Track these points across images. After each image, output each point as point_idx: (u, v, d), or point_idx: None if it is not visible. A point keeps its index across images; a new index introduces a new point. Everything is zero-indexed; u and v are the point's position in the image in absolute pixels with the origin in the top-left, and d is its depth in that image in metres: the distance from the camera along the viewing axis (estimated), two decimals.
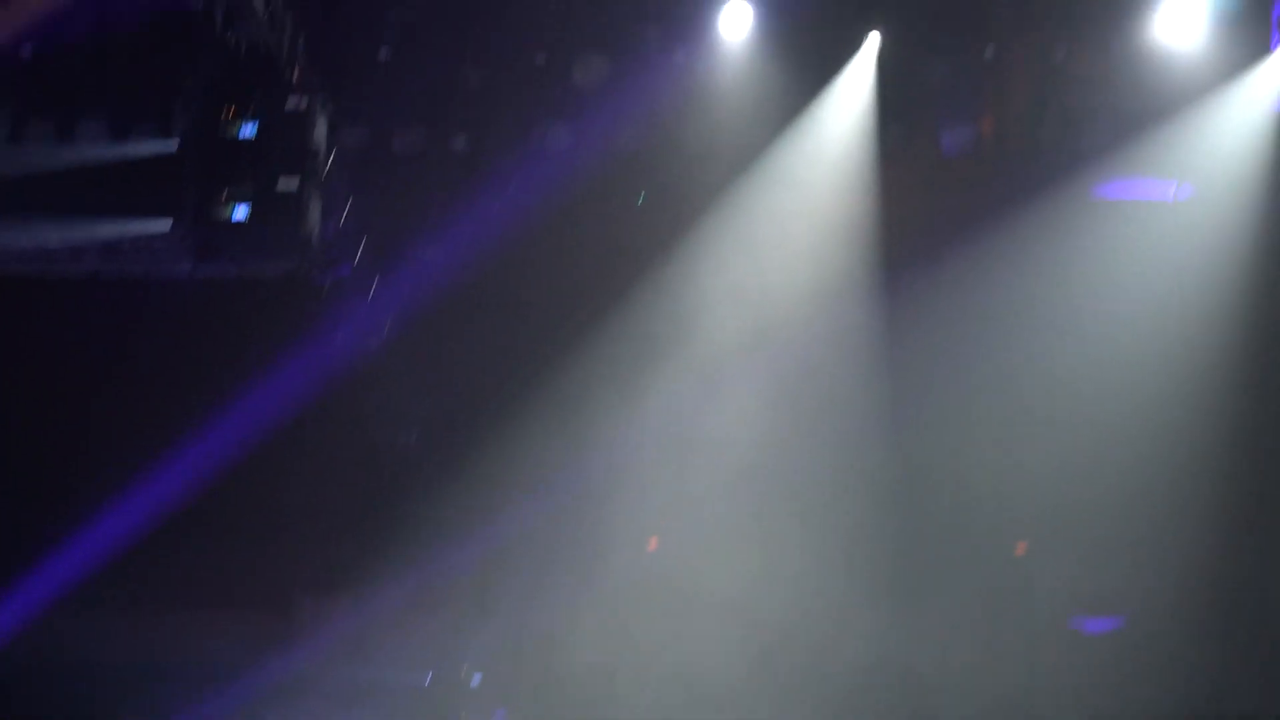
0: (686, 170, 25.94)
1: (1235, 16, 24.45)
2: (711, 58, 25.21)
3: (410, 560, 26.64)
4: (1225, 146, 25.36)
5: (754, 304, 26.50)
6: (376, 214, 24.47)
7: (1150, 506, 26.39)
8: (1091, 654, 26.84)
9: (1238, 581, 26.70)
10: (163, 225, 24.50)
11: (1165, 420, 26.23)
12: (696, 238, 26.32)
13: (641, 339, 26.53)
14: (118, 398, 27.05)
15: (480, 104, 25.97)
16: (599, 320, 26.43)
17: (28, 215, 25.14)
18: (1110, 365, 26.40)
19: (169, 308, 26.44)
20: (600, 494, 26.78)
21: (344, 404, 26.00)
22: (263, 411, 25.90)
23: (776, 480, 26.67)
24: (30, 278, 25.98)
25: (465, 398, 27.13)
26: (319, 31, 23.23)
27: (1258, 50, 24.65)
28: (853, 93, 25.38)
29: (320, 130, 21.94)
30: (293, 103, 21.69)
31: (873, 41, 25.03)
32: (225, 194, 21.51)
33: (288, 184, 21.70)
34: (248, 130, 21.57)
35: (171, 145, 22.90)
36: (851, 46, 25.08)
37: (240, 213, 21.65)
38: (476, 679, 26.31)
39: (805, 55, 25.22)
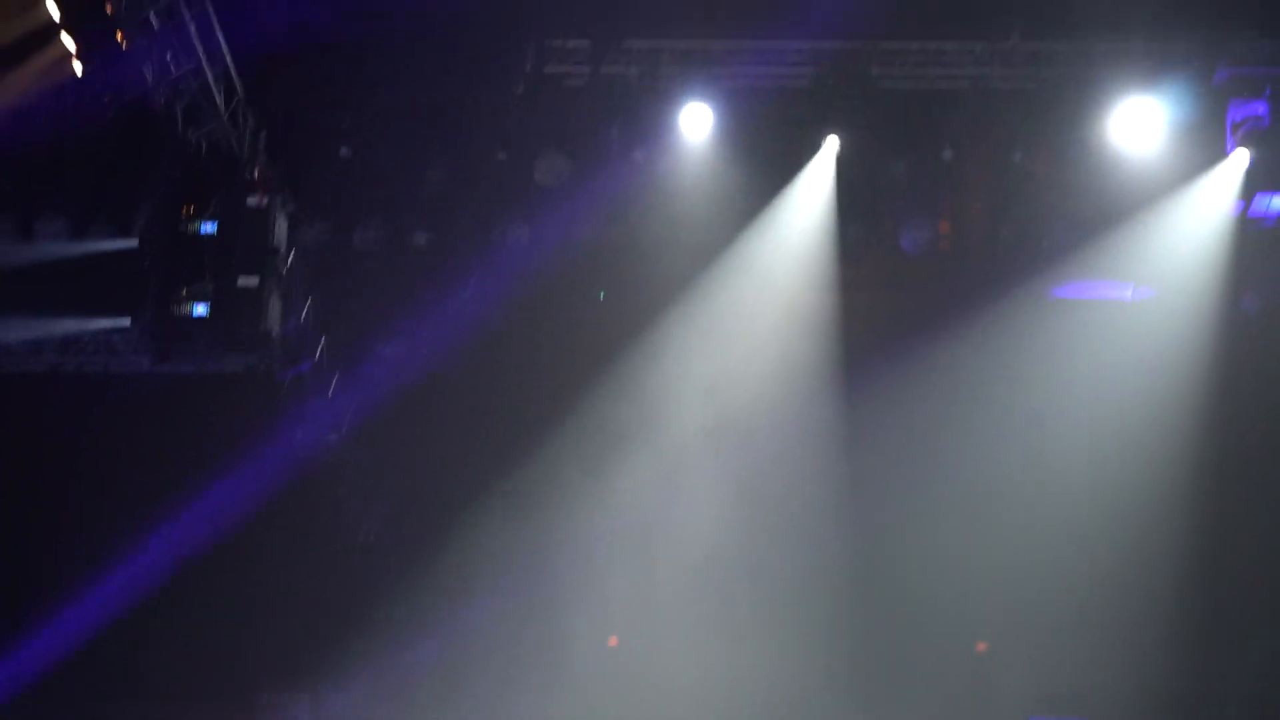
0: (647, 267, 26.00)
1: (1190, 121, 24.65)
2: (672, 157, 25.34)
3: (371, 657, 26.58)
4: (1182, 249, 25.50)
5: (715, 400, 26.55)
6: (337, 310, 24.50)
7: (1110, 605, 26.43)
8: None
9: (1197, 682, 26.73)
10: (123, 322, 24.54)
11: (1124, 518, 26.29)
12: (657, 333, 26.39)
13: (603, 434, 26.54)
14: (77, 493, 27.02)
15: (441, 201, 26.08)
16: (560, 416, 26.46)
17: None
18: (1070, 463, 26.47)
19: (128, 404, 26.40)
20: (563, 590, 26.75)
21: (304, 500, 25.95)
22: (223, 508, 25.86)
23: (739, 576, 26.68)
24: None
25: (427, 494, 27.12)
26: (280, 129, 23.32)
27: (1213, 154, 24.84)
28: (812, 193, 25.49)
29: (281, 227, 21.99)
30: (253, 200, 21.72)
31: (831, 144, 25.19)
32: (185, 291, 21.50)
33: (248, 281, 21.71)
34: (208, 228, 21.60)
35: (131, 243, 22.93)
36: (810, 148, 25.23)
37: (200, 309, 21.63)
38: None
39: (764, 156, 25.36)
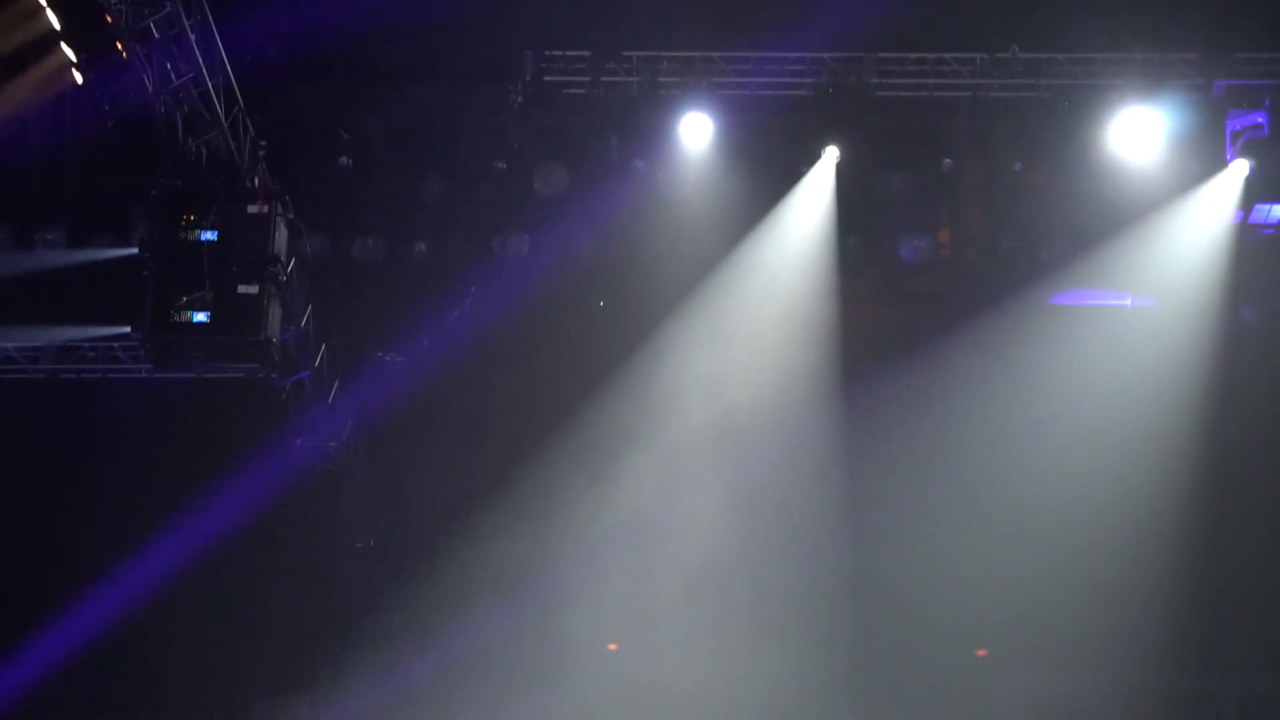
0: (646, 276, 26.05)
1: (1190, 131, 24.67)
2: (672, 167, 25.38)
3: (368, 666, 26.58)
4: (1182, 259, 25.53)
5: (715, 408, 26.57)
6: (337, 318, 24.55)
7: (1109, 612, 26.44)
8: None
9: (1195, 690, 26.76)
10: (122, 329, 24.59)
11: (1123, 526, 26.31)
12: (657, 342, 26.41)
13: (602, 441, 26.57)
14: (77, 500, 27.02)
15: (441, 210, 26.12)
16: (559, 424, 26.47)
17: None
18: (1069, 471, 26.50)
19: (128, 411, 26.44)
20: (563, 595, 26.76)
21: (303, 509, 25.97)
22: (223, 515, 25.87)
23: (738, 582, 26.69)
24: None
25: (426, 501, 27.14)
26: (279, 139, 23.35)
27: (1212, 164, 24.87)
28: (812, 202, 25.53)
29: (281, 235, 21.97)
30: (253, 208, 21.74)
31: (831, 154, 25.21)
32: (185, 299, 21.51)
33: (248, 289, 21.71)
34: (208, 236, 21.62)
35: (131, 251, 22.95)
36: (810, 158, 25.27)
37: (200, 317, 21.65)
38: None
39: (764, 166, 25.42)
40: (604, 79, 25.17)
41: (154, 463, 26.82)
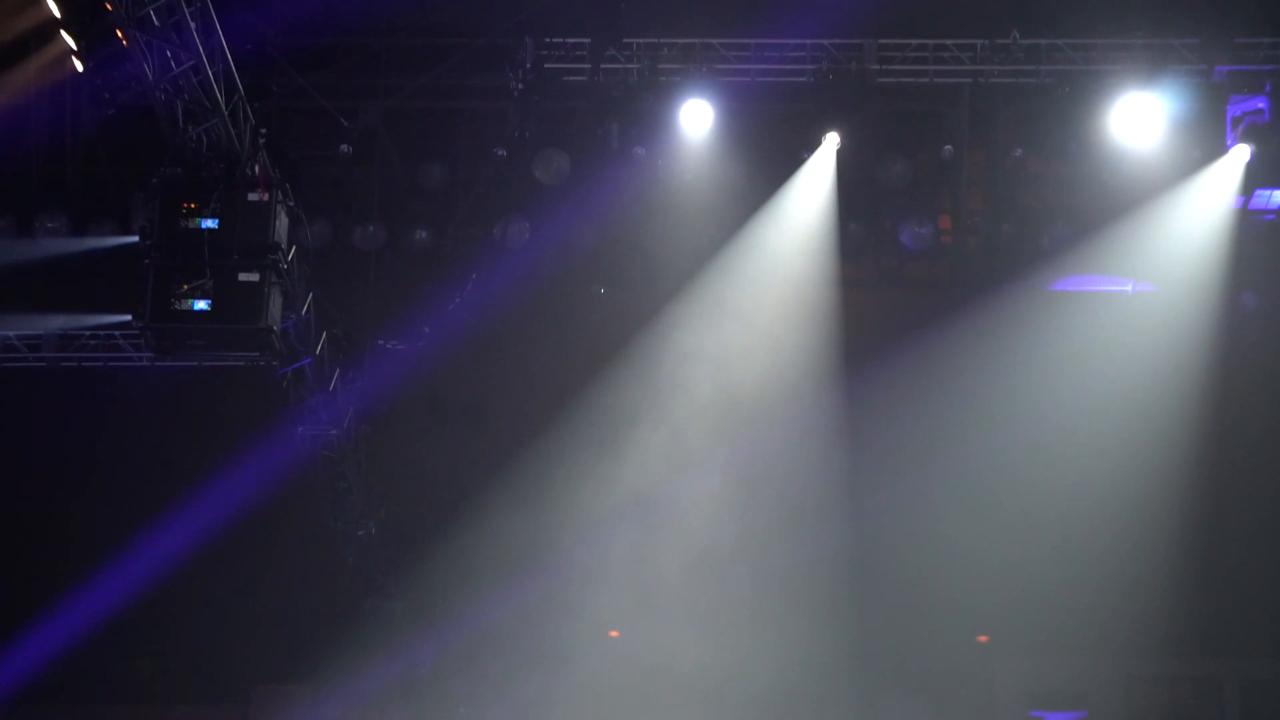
0: (646, 263, 26.08)
1: (1190, 117, 24.65)
2: (672, 154, 25.39)
3: (369, 653, 26.61)
4: (1182, 244, 25.54)
5: (718, 389, 26.59)
6: (337, 306, 24.54)
7: (1110, 597, 26.48)
8: None
9: (1196, 673, 26.81)
10: (123, 318, 24.58)
11: (1124, 510, 26.37)
12: (657, 329, 26.43)
13: (604, 427, 26.60)
14: (78, 488, 27.08)
15: (441, 199, 26.14)
16: (560, 410, 26.49)
17: None
18: (1070, 456, 26.56)
19: (129, 399, 26.49)
20: (565, 582, 26.79)
21: (304, 496, 25.98)
22: (224, 502, 25.90)
23: (740, 567, 26.72)
24: None
25: (426, 490, 27.15)
26: (280, 127, 23.36)
27: (1213, 150, 24.86)
28: (812, 189, 25.53)
29: (281, 224, 21.93)
30: (253, 196, 21.70)
31: (831, 140, 25.21)
32: (186, 286, 21.46)
33: (248, 276, 21.68)
34: (208, 223, 21.58)
35: (132, 239, 22.93)
36: (810, 144, 25.27)
37: (201, 305, 21.61)
38: None
39: (765, 153, 25.44)
40: (604, 66, 25.16)
41: (155, 450, 26.85)
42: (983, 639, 27.21)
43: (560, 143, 25.48)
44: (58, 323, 25.66)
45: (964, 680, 27.08)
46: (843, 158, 25.32)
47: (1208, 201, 25.20)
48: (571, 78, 25.30)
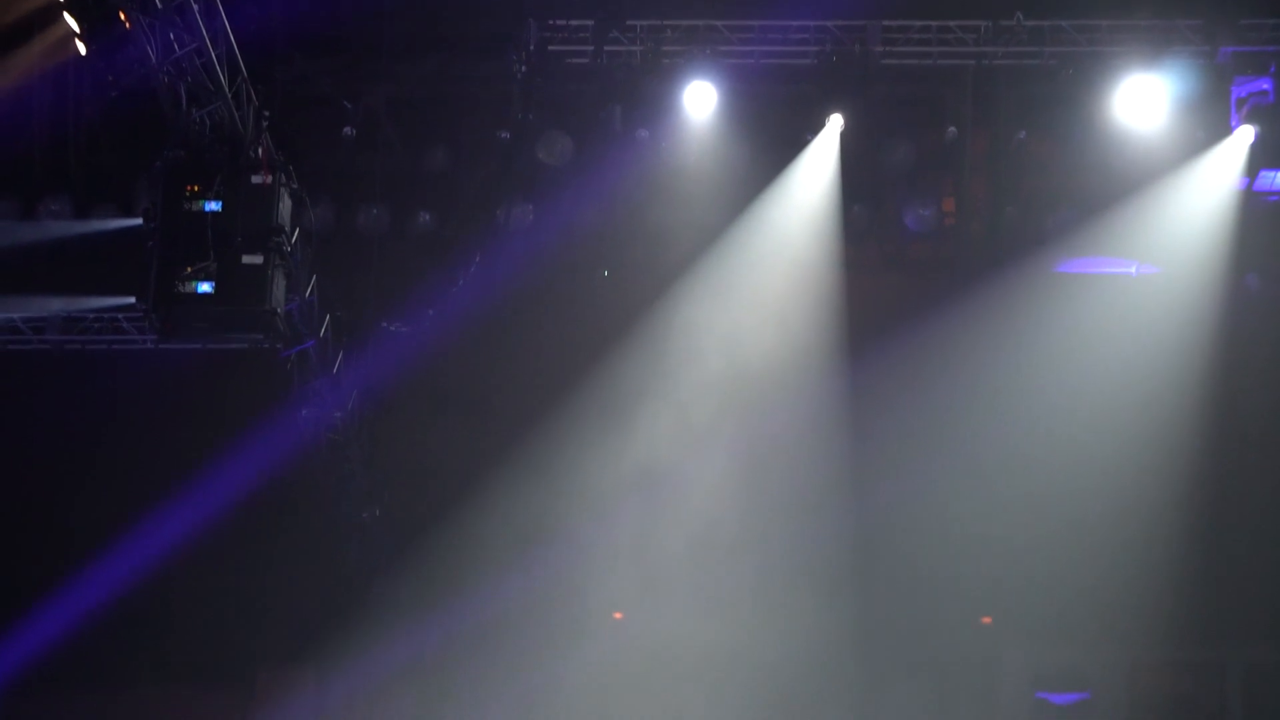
0: (650, 245, 26.09)
1: (1195, 98, 24.64)
2: (675, 136, 25.39)
3: (373, 637, 26.64)
4: (1187, 225, 25.53)
5: (724, 366, 26.60)
6: (341, 289, 24.57)
7: (1114, 580, 26.47)
8: None
9: (1200, 657, 26.83)
10: (127, 300, 24.59)
11: (1128, 493, 26.35)
12: (661, 311, 26.43)
13: (613, 402, 26.60)
14: (81, 471, 27.08)
15: (445, 182, 26.14)
16: (563, 393, 26.50)
17: None
18: (1074, 439, 26.53)
19: (133, 382, 26.48)
20: (571, 564, 26.82)
21: (308, 479, 26.01)
22: (228, 485, 25.91)
23: (744, 549, 26.74)
24: None
25: (430, 474, 27.16)
26: (283, 109, 23.34)
27: (1217, 131, 24.84)
28: (816, 171, 25.53)
29: (285, 206, 21.94)
30: (257, 179, 21.70)
31: (835, 122, 25.20)
32: (189, 269, 21.47)
33: (252, 259, 21.68)
34: (212, 206, 21.58)
35: (135, 221, 22.96)
36: (814, 126, 25.26)
37: (204, 287, 21.62)
38: None
39: (768, 135, 25.44)
40: (607, 48, 25.15)
41: (159, 433, 26.86)
42: (986, 620, 27.21)
43: (564, 125, 25.50)
44: (61, 305, 25.66)
45: (969, 664, 27.09)
46: (846, 140, 25.32)
47: (1212, 183, 25.19)
48: (575, 60, 25.29)
